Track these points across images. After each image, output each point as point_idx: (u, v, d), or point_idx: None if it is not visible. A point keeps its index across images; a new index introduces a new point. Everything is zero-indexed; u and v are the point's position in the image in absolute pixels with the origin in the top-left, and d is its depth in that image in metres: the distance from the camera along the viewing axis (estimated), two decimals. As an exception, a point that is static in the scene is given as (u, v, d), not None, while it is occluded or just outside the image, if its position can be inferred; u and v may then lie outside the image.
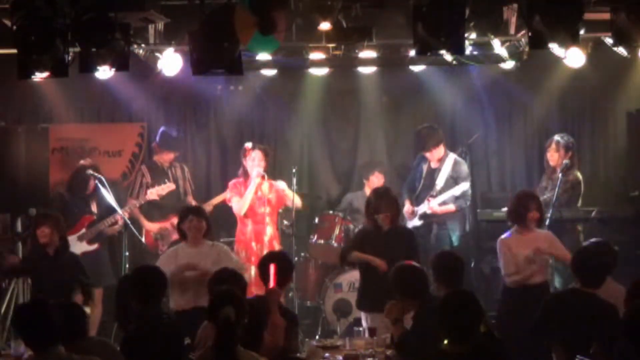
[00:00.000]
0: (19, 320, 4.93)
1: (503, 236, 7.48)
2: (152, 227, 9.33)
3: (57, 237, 7.75)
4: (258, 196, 8.93)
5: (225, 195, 9.20)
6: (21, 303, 5.00)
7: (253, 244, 8.88)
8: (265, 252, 8.55)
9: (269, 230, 8.96)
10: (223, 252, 7.60)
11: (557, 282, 8.51)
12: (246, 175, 8.98)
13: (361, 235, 7.91)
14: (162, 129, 9.65)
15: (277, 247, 8.92)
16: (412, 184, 9.52)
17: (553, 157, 8.93)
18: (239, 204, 8.89)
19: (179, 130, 10.02)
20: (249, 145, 9.05)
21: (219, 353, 4.74)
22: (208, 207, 9.27)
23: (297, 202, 9.14)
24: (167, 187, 9.24)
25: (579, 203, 8.84)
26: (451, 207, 9.16)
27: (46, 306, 4.80)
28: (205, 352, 4.96)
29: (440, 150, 9.30)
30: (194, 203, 9.41)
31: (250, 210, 8.91)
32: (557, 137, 9.02)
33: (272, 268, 6.06)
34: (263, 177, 8.90)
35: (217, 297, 5.05)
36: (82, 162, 9.25)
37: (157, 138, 9.59)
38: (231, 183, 9.08)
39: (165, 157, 9.51)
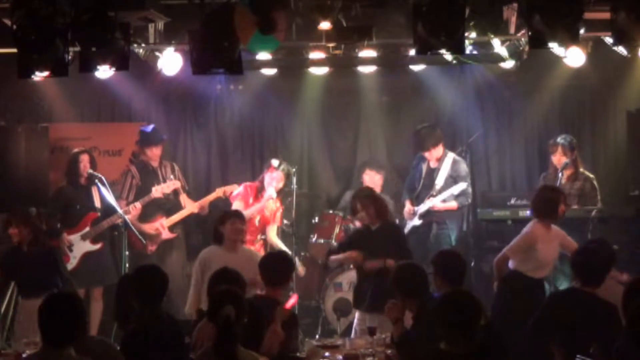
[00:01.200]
0: (50, 311, 4.67)
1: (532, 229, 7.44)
2: (146, 228, 9.27)
3: (26, 232, 7.69)
4: (262, 215, 8.92)
5: (219, 193, 9.17)
6: (51, 295, 4.83)
7: None
8: None
9: (257, 246, 8.92)
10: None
11: (560, 283, 8.52)
12: (262, 188, 8.93)
13: (352, 235, 8.01)
14: (140, 128, 9.58)
15: None
16: (412, 184, 9.53)
17: (560, 160, 8.91)
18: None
19: (163, 128, 9.97)
20: (275, 163, 8.94)
21: (219, 353, 4.73)
22: (204, 204, 9.23)
23: (273, 236, 9.04)
24: (173, 184, 9.23)
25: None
26: (453, 204, 9.19)
27: (77, 302, 4.77)
28: (205, 351, 4.96)
29: (439, 150, 9.32)
30: (187, 202, 9.37)
31: (248, 222, 8.87)
32: (560, 140, 9.00)
33: (293, 299, 6.26)
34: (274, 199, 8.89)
35: (216, 297, 5.04)
36: (75, 149, 9.24)
37: (138, 138, 9.53)
38: (244, 185, 9.02)
39: (151, 155, 9.40)
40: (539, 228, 7.36)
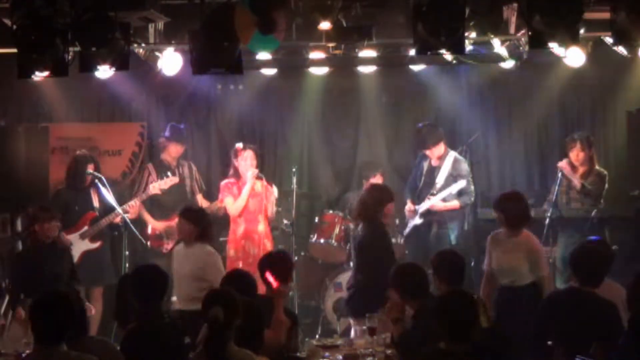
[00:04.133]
0: (41, 308, 4.73)
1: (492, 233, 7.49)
2: (157, 225, 9.29)
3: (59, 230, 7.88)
4: (252, 194, 8.93)
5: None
6: (44, 292, 4.84)
7: (243, 241, 8.88)
8: (255, 250, 8.62)
9: (261, 228, 8.97)
10: (210, 259, 7.38)
11: (558, 282, 8.53)
12: (237, 175, 8.98)
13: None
14: (170, 123, 9.63)
15: (268, 245, 8.92)
16: (414, 183, 9.53)
17: (579, 156, 8.90)
18: (235, 206, 8.88)
19: (155, 125, 10.03)
20: (240, 145, 9.04)
21: (209, 353, 4.73)
22: (218, 205, 9.29)
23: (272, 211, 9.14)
24: (170, 181, 9.22)
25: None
26: (455, 203, 9.18)
27: (68, 300, 4.77)
28: (199, 352, 4.94)
29: (440, 148, 9.31)
30: (203, 202, 9.40)
31: (244, 209, 8.91)
32: (577, 136, 9.00)
33: (268, 276, 6.11)
34: (260, 179, 8.90)
35: (207, 298, 5.03)
36: (77, 152, 9.26)
37: (167, 132, 9.52)
38: (223, 184, 9.05)
39: (173, 153, 9.44)
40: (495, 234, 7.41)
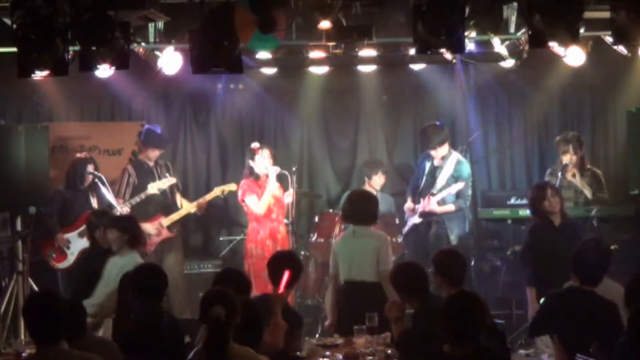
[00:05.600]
0: (31, 310, 4.77)
1: None
2: (148, 227, 9.21)
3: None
4: (275, 195, 8.99)
5: (217, 192, 9.21)
6: (33, 292, 4.86)
7: (268, 241, 8.92)
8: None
9: (282, 229, 9.07)
10: None
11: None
12: (254, 174, 8.99)
13: None
14: (146, 126, 9.64)
15: (286, 246, 8.98)
16: (416, 182, 9.53)
17: (572, 160, 8.85)
18: (259, 204, 8.90)
19: (163, 128, 9.97)
20: (256, 145, 9.07)
21: (209, 353, 4.73)
22: (202, 203, 9.27)
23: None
24: (168, 181, 9.24)
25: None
26: (450, 207, 9.17)
27: (57, 299, 4.77)
28: (197, 351, 4.95)
29: (444, 149, 9.30)
30: (184, 201, 9.40)
31: (269, 209, 8.93)
32: (569, 137, 8.95)
33: (286, 275, 6.06)
34: (280, 183, 8.94)
35: (207, 297, 5.03)
36: (78, 155, 9.27)
37: (142, 136, 9.55)
38: (243, 183, 9.07)
39: (151, 156, 9.43)
40: None
